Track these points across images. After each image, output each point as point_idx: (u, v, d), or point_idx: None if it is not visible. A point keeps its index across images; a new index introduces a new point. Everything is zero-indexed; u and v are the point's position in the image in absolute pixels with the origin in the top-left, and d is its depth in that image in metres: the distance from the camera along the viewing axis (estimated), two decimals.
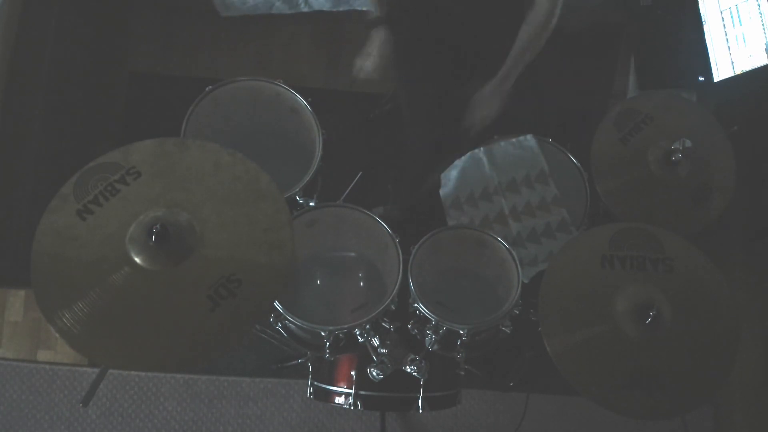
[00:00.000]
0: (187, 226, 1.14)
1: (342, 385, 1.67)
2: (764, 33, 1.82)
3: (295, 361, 2.14)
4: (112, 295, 1.09)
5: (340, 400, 1.67)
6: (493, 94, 1.67)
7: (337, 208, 1.60)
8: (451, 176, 1.74)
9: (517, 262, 1.51)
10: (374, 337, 1.51)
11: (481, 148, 1.74)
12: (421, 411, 1.64)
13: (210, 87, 1.62)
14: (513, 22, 1.83)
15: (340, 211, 1.60)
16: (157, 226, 1.08)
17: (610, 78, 2.45)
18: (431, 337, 1.54)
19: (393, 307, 1.46)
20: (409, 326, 1.57)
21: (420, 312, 1.48)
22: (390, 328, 1.51)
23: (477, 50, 1.93)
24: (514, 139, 1.75)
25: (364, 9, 1.77)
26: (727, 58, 1.93)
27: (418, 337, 1.58)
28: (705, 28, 2.00)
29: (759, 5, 1.83)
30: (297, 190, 1.54)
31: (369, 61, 1.70)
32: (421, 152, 2.09)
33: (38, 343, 2.29)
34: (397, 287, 1.45)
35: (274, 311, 1.45)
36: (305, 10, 2.63)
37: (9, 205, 2.11)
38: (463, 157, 1.74)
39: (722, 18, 1.94)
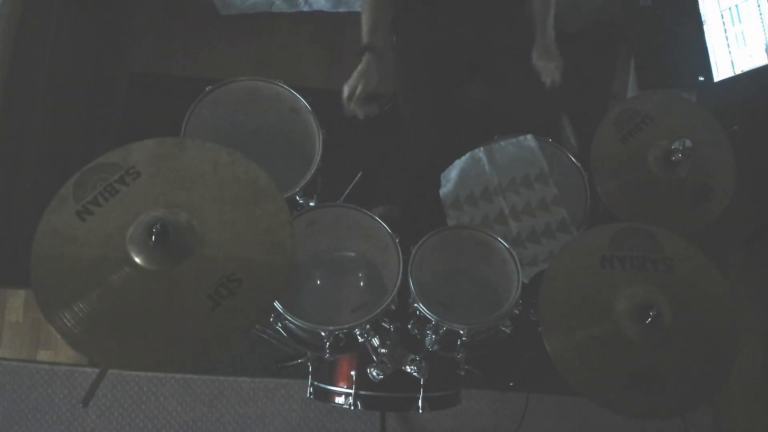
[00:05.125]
0: (187, 226, 1.14)
1: (342, 385, 1.67)
2: (764, 33, 1.82)
3: (295, 361, 2.14)
4: (112, 295, 1.09)
5: (340, 400, 1.67)
6: (546, 48, 1.72)
7: (337, 208, 1.60)
8: (451, 176, 1.74)
9: (517, 262, 1.51)
10: (374, 337, 1.51)
11: (481, 148, 1.74)
12: (421, 411, 1.63)
13: (210, 87, 1.62)
14: (514, 24, 1.83)
15: (340, 211, 1.60)
16: (157, 226, 1.08)
17: (610, 78, 2.45)
18: (431, 337, 1.54)
19: (393, 307, 1.46)
20: (409, 326, 1.57)
21: (420, 312, 1.48)
22: (390, 328, 1.51)
23: (478, 51, 1.94)
24: (514, 139, 1.75)
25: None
26: (727, 58, 1.93)
27: (418, 337, 1.58)
28: (705, 28, 2.00)
29: (759, 5, 1.83)
30: (297, 190, 1.54)
31: (360, 83, 1.64)
32: (421, 152, 2.09)
33: (38, 343, 2.29)
34: (397, 287, 1.45)
35: (274, 311, 1.45)
36: (305, 9, 2.63)
37: (9, 205, 2.11)
38: (463, 157, 1.74)
39: (722, 18, 1.94)
